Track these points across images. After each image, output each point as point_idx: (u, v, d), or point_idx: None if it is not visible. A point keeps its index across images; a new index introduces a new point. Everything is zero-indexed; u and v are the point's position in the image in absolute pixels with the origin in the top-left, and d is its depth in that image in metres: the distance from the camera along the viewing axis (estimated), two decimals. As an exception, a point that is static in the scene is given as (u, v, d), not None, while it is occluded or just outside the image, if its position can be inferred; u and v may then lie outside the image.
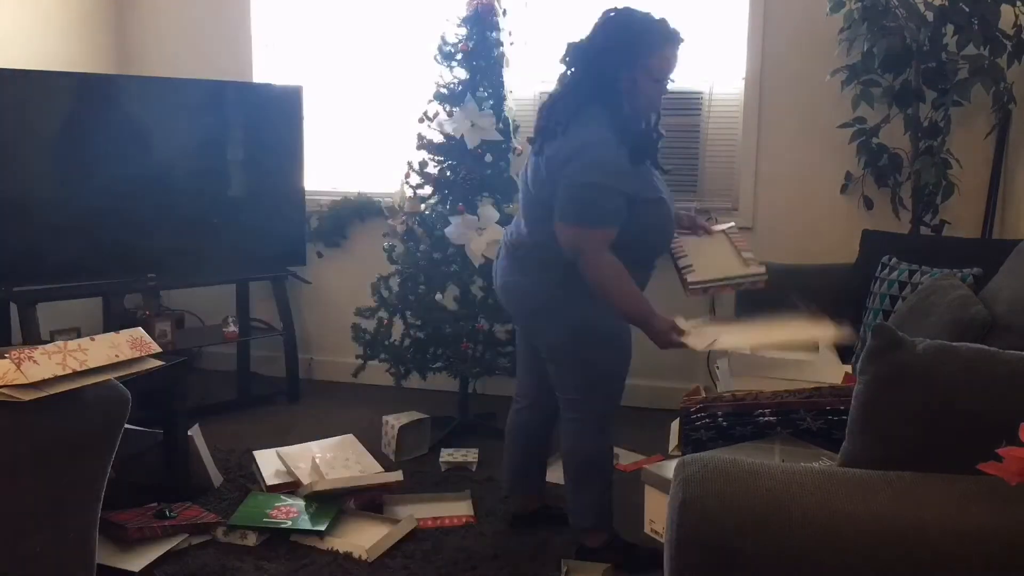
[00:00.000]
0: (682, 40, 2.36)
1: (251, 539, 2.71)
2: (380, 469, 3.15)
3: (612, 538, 2.61)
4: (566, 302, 2.42)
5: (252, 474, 3.16)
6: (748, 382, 2.76)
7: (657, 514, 2.70)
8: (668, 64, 2.35)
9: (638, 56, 2.31)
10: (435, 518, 2.86)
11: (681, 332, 2.32)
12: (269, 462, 3.14)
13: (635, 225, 2.33)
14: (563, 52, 2.44)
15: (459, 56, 3.47)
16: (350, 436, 3.33)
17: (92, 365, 1.80)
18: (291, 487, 2.99)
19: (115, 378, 1.82)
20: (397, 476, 3.00)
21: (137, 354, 1.92)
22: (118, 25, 4.45)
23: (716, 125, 3.87)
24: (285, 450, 3.19)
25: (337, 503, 2.87)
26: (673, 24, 2.37)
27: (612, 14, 2.38)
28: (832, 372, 2.74)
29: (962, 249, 3.02)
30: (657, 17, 2.34)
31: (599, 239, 2.30)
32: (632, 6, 2.41)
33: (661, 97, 2.40)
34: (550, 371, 2.55)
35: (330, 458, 3.11)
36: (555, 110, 2.37)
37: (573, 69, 2.40)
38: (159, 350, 2.00)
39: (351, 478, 2.98)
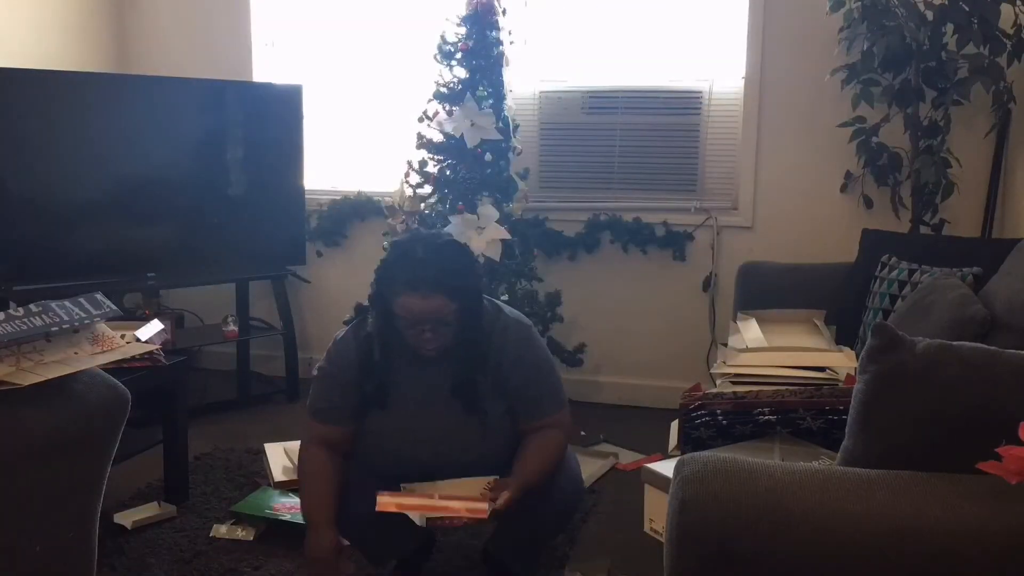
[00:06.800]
0: (425, 291, 2.05)
1: (250, 532, 2.73)
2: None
3: None
4: None
5: (252, 473, 3.16)
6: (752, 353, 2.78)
7: (657, 513, 2.70)
8: (410, 312, 2.08)
9: (391, 295, 2.12)
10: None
11: (331, 564, 2.11)
12: (277, 457, 3.14)
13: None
14: None
15: (459, 55, 3.46)
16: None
17: (48, 362, 1.80)
18: (298, 485, 2.97)
19: (74, 372, 1.81)
20: None
21: (99, 350, 1.92)
22: (118, 25, 4.44)
23: (716, 124, 3.87)
24: (292, 446, 3.15)
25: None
26: (420, 272, 2.06)
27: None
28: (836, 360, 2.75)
29: (962, 248, 3.02)
30: (411, 258, 2.09)
31: (311, 429, 2.28)
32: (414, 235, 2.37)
33: (421, 341, 2.12)
34: None
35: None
36: None
37: None
38: (123, 344, 2.00)
39: None
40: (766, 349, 2.82)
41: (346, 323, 2.36)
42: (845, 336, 3.04)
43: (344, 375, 2.25)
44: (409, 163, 3.61)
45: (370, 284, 2.20)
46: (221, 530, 2.75)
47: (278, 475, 3.03)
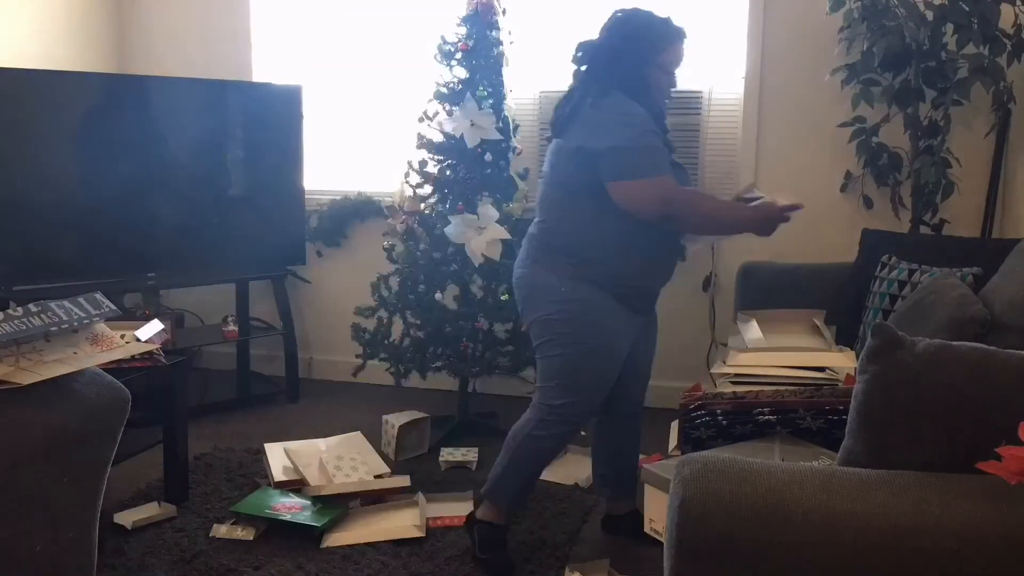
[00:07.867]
0: (686, 36, 2.59)
1: (250, 532, 2.73)
2: (386, 469, 3.12)
3: (501, 524, 2.61)
4: (555, 286, 2.45)
5: (252, 473, 3.16)
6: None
7: (657, 513, 2.70)
8: (678, 58, 2.56)
9: (653, 52, 2.50)
10: (435, 518, 2.85)
11: (780, 212, 2.54)
12: (277, 457, 3.14)
13: None
14: (575, 51, 2.55)
15: (459, 55, 3.46)
16: (357, 433, 3.30)
17: (47, 362, 1.80)
18: (298, 485, 2.99)
19: (73, 372, 1.81)
20: (404, 481, 3.00)
21: (99, 350, 1.92)
22: (118, 25, 4.44)
23: (716, 125, 3.87)
24: (292, 446, 3.17)
25: (343, 504, 2.87)
26: (677, 21, 2.59)
27: (621, 15, 2.54)
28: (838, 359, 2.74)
29: (962, 248, 3.02)
30: (662, 16, 2.56)
31: (668, 183, 2.42)
32: (638, 6, 2.56)
33: (670, 88, 2.59)
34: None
35: (337, 458, 3.09)
36: (574, 98, 2.48)
37: (587, 66, 2.52)
38: (123, 344, 2.00)
39: (358, 483, 2.97)
40: (766, 349, 2.82)
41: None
42: (845, 336, 3.04)
43: (656, 140, 2.46)
44: (409, 163, 3.60)
45: (612, 58, 2.47)
46: (221, 530, 2.75)
47: (278, 475, 3.03)
